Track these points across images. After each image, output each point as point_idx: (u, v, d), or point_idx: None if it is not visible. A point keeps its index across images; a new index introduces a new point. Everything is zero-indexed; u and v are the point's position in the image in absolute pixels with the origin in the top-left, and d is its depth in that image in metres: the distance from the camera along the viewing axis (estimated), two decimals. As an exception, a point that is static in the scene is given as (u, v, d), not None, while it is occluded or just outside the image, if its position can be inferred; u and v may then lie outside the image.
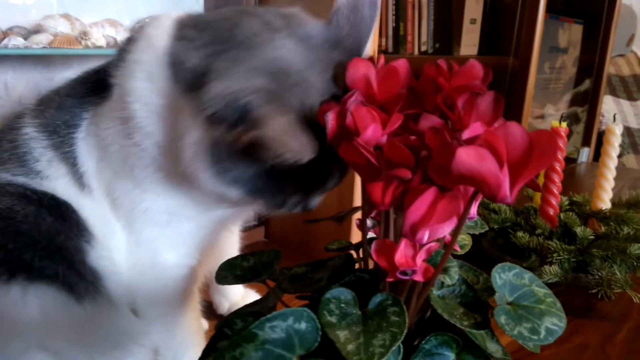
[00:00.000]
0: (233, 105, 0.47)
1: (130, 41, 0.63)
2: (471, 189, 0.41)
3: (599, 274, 0.98)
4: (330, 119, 0.44)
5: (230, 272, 0.58)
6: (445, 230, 0.40)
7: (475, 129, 0.40)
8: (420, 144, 0.40)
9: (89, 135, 0.64)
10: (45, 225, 0.59)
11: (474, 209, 0.46)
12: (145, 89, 0.58)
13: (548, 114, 2.14)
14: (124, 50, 0.62)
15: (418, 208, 0.39)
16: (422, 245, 0.43)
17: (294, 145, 0.47)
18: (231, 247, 0.86)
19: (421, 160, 0.39)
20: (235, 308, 0.87)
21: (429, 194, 0.39)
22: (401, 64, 0.48)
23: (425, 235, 0.40)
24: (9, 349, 0.56)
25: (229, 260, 0.59)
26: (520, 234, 1.07)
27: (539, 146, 0.35)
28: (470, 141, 0.38)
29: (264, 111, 0.46)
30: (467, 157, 0.34)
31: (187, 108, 0.54)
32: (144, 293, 0.64)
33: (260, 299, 0.60)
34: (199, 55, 0.54)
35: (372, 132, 0.43)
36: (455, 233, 0.42)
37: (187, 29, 0.58)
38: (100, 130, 0.63)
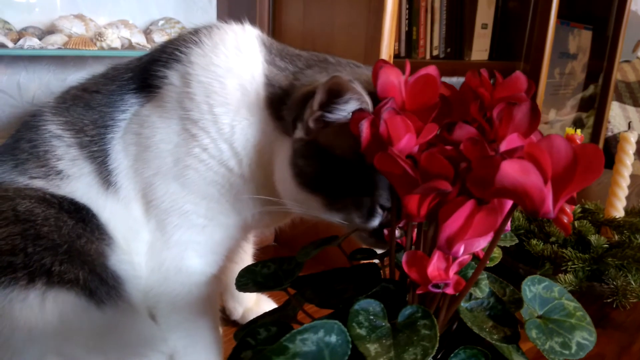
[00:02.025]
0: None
1: (188, 42, 0.64)
2: (508, 202, 0.40)
3: (614, 283, 0.97)
4: (365, 128, 0.43)
5: (250, 279, 0.57)
6: (481, 244, 0.40)
7: (512, 140, 0.39)
8: (458, 155, 0.40)
9: (128, 133, 0.64)
10: (66, 229, 0.58)
11: (508, 222, 0.46)
12: (236, 98, 0.61)
13: (555, 120, 2.13)
14: (179, 50, 0.63)
15: (455, 221, 0.38)
16: (455, 258, 0.42)
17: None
18: (244, 251, 0.86)
19: (460, 172, 0.39)
20: (250, 314, 0.88)
21: (467, 207, 0.38)
22: (434, 71, 0.47)
23: (460, 249, 0.39)
24: (25, 356, 0.55)
25: (249, 266, 0.58)
26: (534, 241, 1.06)
27: (584, 160, 0.34)
28: (510, 153, 0.37)
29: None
30: (512, 171, 0.34)
31: (276, 130, 0.61)
32: (167, 299, 0.64)
33: (280, 307, 0.59)
34: (287, 80, 0.62)
35: (407, 141, 0.42)
36: (490, 247, 0.41)
37: (275, 55, 0.65)
38: (145, 129, 0.63)
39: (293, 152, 0.58)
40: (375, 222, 0.57)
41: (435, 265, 0.42)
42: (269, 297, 0.95)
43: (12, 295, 0.54)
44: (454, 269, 0.43)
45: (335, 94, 0.52)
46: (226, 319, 0.90)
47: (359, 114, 0.46)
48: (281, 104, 0.61)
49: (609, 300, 0.97)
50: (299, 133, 0.58)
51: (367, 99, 0.52)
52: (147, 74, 0.64)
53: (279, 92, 0.62)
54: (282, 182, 0.61)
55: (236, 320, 0.90)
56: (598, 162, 0.34)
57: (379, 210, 0.57)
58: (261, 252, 0.91)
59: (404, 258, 0.43)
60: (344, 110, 0.54)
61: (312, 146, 0.57)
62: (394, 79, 0.48)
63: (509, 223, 0.46)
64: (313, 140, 0.57)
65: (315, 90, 0.54)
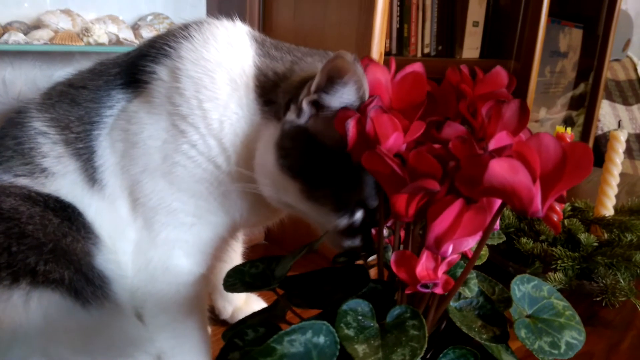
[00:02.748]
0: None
1: (178, 37, 0.63)
2: (497, 201, 0.40)
3: (604, 281, 0.97)
4: (351, 126, 0.43)
5: (238, 279, 0.57)
6: (470, 243, 0.39)
7: (501, 138, 0.39)
8: (446, 154, 0.39)
9: (114, 129, 0.63)
10: (51, 227, 0.57)
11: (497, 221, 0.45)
12: (225, 92, 0.60)
13: (546, 118, 2.13)
14: (168, 45, 0.62)
15: (443, 220, 0.38)
16: (443, 258, 0.42)
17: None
18: (234, 250, 0.85)
19: (449, 171, 0.38)
20: (239, 313, 0.88)
21: (455, 206, 0.37)
22: (420, 69, 0.47)
23: (449, 249, 0.39)
24: (9, 357, 0.54)
25: (237, 266, 0.58)
26: (524, 240, 1.06)
27: (573, 159, 0.34)
28: (499, 152, 0.37)
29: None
30: (500, 169, 0.33)
31: (264, 118, 0.60)
32: (155, 299, 0.63)
33: (268, 307, 0.58)
34: (284, 66, 0.61)
35: (394, 140, 0.42)
36: (479, 246, 0.41)
37: (269, 48, 0.64)
38: (133, 125, 0.62)
39: (281, 134, 0.57)
40: (345, 220, 0.57)
41: (424, 265, 0.42)
42: (258, 296, 0.94)
43: None
44: (442, 268, 0.42)
45: (336, 74, 0.51)
46: (215, 318, 0.89)
47: (344, 112, 0.45)
48: (275, 88, 0.60)
49: (598, 299, 0.97)
50: (291, 115, 0.57)
51: (366, 85, 0.50)
52: (135, 69, 0.63)
53: (273, 78, 0.61)
54: (263, 166, 0.59)
55: (225, 320, 0.89)
56: (587, 160, 0.34)
57: (356, 208, 0.56)
58: (251, 251, 0.91)
59: (392, 258, 0.43)
60: (341, 95, 0.52)
61: (301, 131, 0.56)
62: (380, 77, 0.48)
63: (497, 222, 0.46)
64: (303, 126, 0.56)
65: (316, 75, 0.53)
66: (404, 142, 0.43)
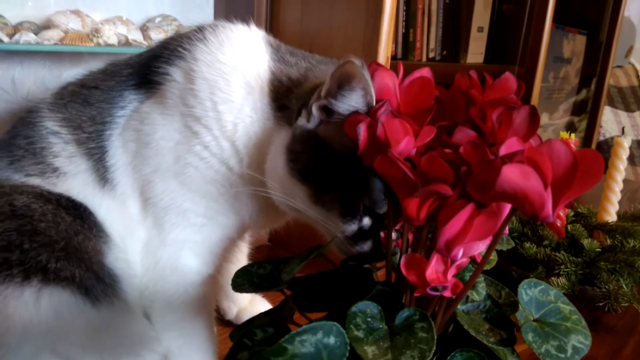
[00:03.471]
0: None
1: (192, 39, 0.63)
2: (507, 206, 0.40)
3: (606, 287, 0.98)
4: (362, 131, 0.43)
5: (246, 280, 0.57)
6: (480, 247, 0.40)
7: (511, 144, 0.39)
8: (457, 159, 0.40)
9: (127, 130, 0.63)
10: (64, 225, 0.58)
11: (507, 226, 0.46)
12: (240, 95, 0.61)
13: (548, 124, 2.14)
14: (182, 47, 0.63)
15: (454, 224, 0.38)
16: (453, 261, 0.42)
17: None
18: (240, 251, 0.85)
19: (460, 175, 0.39)
20: (244, 314, 0.88)
21: (466, 211, 0.38)
22: (428, 74, 0.47)
23: (459, 253, 0.39)
24: (19, 354, 0.55)
25: (245, 267, 0.58)
26: (527, 244, 1.07)
27: (583, 166, 0.34)
28: (510, 157, 0.37)
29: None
30: (512, 175, 0.34)
31: (276, 123, 0.61)
32: (163, 298, 0.63)
33: (276, 307, 0.59)
34: (299, 72, 0.62)
35: (405, 144, 0.42)
36: (488, 250, 0.41)
37: (283, 53, 0.65)
38: (145, 125, 0.62)
39: (292, 138, 0.58)
40: (354, 225, 0.57)
41: (433, 268, 0.42)
42: (263, 297, 0.94)
43: (6, 292, 0.53)
44: (452, 272, 0.43)
45: (345, 79, 0.51)
46: (220, 318, 0.89)
47: (355, 116, 0.46)
48: (289, 94, 0.61)
49: (600, 304, 0.97)
50: (302, 120, 0.57)
51: (373, 90, 0.51)
52: (148, 70, 0.64)
53: (287, 83, 0.62)
54: (273, 169, 0.60)
55: (230, 320, 0.89)
56: (598, 167, 0.34)
57: (364, 214, 0.57)
58: (255, 252, 0.91)
59: (402, 261, 0.44)
60: (349, 100, 0.52)
61: (311, 135, 0.57)
62: (388, 82, 0.48)
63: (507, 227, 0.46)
64: (313, 130, 0.57)
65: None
66: (415, 146, 0.43)
